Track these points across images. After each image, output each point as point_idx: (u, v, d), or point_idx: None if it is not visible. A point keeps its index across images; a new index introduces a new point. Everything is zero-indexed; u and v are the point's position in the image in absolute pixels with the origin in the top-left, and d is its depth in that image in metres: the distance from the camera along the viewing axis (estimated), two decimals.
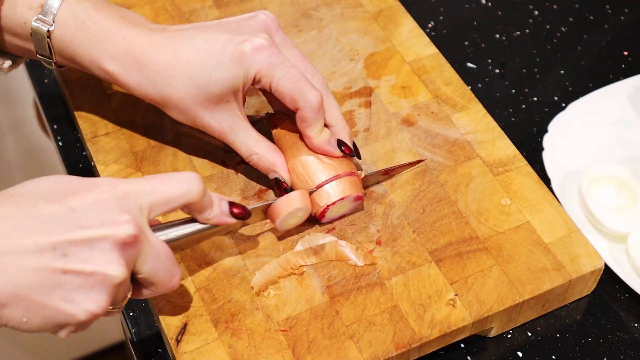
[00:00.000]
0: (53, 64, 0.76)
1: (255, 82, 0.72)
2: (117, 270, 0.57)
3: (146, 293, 0.64)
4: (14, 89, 1.27)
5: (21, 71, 0.95)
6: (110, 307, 0.61)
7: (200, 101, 0.72)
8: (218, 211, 0.66)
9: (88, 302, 0.57)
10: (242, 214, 0.67)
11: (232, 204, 0.67)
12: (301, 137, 0.75)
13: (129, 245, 0.58)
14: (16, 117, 1.38)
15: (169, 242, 0.66)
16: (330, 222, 0.75)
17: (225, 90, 0.71)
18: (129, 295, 0.62)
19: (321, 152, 0.74)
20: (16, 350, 1.65)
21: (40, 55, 0.74)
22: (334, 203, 0.73)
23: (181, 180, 0.63)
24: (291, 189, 0.74)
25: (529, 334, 0.74)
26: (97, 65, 0.73)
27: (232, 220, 0.67)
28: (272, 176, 0.74)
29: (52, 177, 0.60)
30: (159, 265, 0.62)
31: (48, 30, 0.72)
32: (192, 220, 0.67)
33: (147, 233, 0.60)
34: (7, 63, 0.77)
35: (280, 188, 0.74)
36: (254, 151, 0.74)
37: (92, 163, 0.81)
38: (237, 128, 0.73)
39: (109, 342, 1.69)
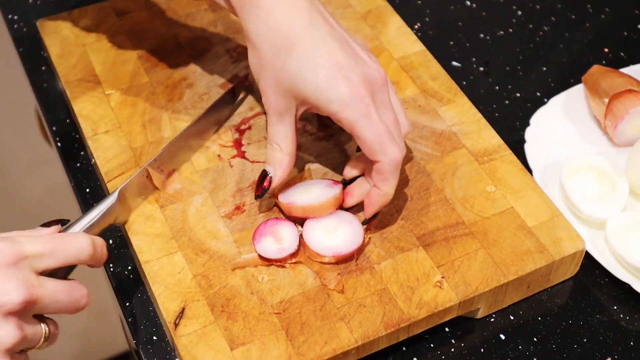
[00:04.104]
0: None
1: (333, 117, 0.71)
2: (5, 335, 0.60)
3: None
4: (17, 99, 1.29)
5: (23, 80, 0.97)
6: (30, 348, 0.64)
7: (279, 80, 0.71)
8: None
9: None
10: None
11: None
12: None
13: (22, 311, 0.61)
14: (19, 127, 1.41)
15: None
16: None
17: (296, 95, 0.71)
18: (45, 334, 0.64)
19: (375, 208, 0.74)
20: None
21: None
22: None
23: (74, 246, 0.66)
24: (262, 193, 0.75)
25: (512, 318, 0.75)
26: None
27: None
28: (267, 168, 0.75)
29: None
30: (60, 304, 0.64)
31: None
32: None
33: (39, 287, 0.62)
34: None
35: (263, 180, 0.75)
36: (275, 140, 0.74)
37: (93, 160, 0.83)
38: (280, 107, 0.73)
39: (114, 352, 1.70)
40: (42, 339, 0.64)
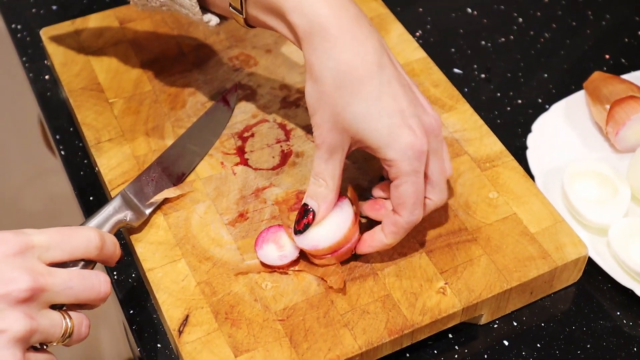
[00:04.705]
0: (242, 20, 0.74)
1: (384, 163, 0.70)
2: (14, 324, 0.58)
3: (86, 312, 0.66)
4: (21, 108, 1.30)
5: (26, 89, 0.97)
6: (51, 344, 0.62)
7: (336, 118, 0.69)
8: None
9: None
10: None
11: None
12: None
13: (29, 298, 0.60)
14: (22, 136, 1.41)
15: None
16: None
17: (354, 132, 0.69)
18: (68, 327, 0.63)
19: (371, 250, 0.73)
20: None
21: (232, 8, 0.73)
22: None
23: (80, 239, 0.65)
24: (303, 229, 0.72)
25: (515, 324, 0.75)
26: (285, 18, 0.69)
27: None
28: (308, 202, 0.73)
29: None
30: (75, 290, 0.63)
31: None
32: None
33: (46, 274, 0.62)
34: (215, 20, 0.77)
35: (306, 215, 0.72)
36: (321, 176, 0.72)
37: (96, 169, 0.83)
38: (334, 143, 0.71)
39: None
40: (64, 334, 0.63)
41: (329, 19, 0.67)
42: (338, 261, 0.73)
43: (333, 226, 0.72)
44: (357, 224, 0.73)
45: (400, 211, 0.70)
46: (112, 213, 0.74)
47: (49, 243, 0.63)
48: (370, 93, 0.67)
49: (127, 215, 0.75)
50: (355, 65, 0.67)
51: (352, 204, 0.74)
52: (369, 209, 0.75)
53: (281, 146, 0.83)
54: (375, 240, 0.72)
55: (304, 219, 0.72)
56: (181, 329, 0.70)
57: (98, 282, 0.65)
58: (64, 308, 0.64)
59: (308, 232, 0.72)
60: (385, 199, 0.75)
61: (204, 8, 0.77)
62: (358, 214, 0.74)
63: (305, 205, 0.72)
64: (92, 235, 0.66)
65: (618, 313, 0.76)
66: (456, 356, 0.73)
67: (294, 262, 0.74)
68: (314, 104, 0.70)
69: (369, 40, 0.68)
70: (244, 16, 0.73)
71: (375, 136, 0.68)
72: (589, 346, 0.74)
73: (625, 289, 0.77)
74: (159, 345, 0.73)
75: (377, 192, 0.76)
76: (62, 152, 0.88)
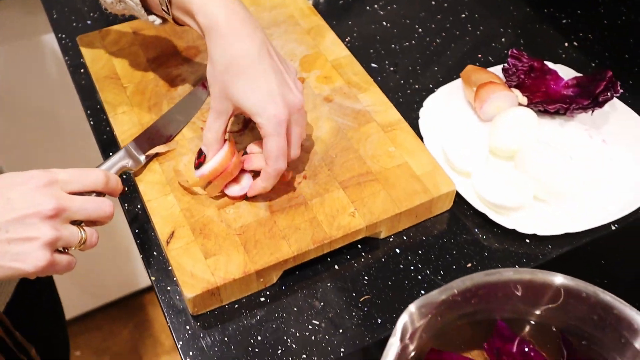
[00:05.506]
0: (172, 19, 0.75)
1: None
2: (44, 233, 0.61)
3: (97, 227, 0.68)
4: (68, 94, 1.31)
5: (69, 79, 0.99)
6: (71, 248, 0.65)
7: (224, 91, 0.71)
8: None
9: (32, 259, 0.61)
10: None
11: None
12: None
13: (55, 215, 0.62)
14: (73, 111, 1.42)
15: None
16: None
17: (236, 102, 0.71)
18: (83, 237, 0.65)
19: (254, 193, 0.75)
20: (72, 286, 1.66)
21: (163, 10, 0.75)
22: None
23: (92, 176, 0.67)
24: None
25: (404, 238, 0.78)
26: (194, 17, 0.71)
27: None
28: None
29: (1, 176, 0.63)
30: (88, 210, 0.65)
31: None
32: None
33: (67, 199, 0.63)
34: (158, 21, 0.78)
35: (200, 157, 0.74)
36: (211, 130, 0.74)
37: (114, 133, 0.85)
38: (221, 109, 0.73)
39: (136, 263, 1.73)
40: (79, 241, 0.65)
41: (222, 20, 0.69)
42: (224, 183, 0.75)
43: (213, 160, 0.74)
44: (231, 157, 0.74)
45: (268, 162, 0.72)
46: (117, 160, 0.76)
47: (69, 178, 0.65)
48: (249, 76, 0.69)
49: (129, 162, 0.77)
50: (240, 55, 0.69)
51: (230, 145, 0.75)
52: (245, 162, 0.76)
53: (244, 116, 0.87)
54: (256, 184, 0.74)
55: (199, 159, 0.74)
56: (169, 240, 0.73)
57: (104, 205, 0.67)
58: (82, 224, 0.66)
59: (201, 168, 0.74)
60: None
61: (149, 11, 0.79)
62: (234, 152, 0.75)
63: (200, 150, 0.74)
64: (101, 174, 0.68)
65: (476, 230, 0.79)
66: (363, 260, 0.76)
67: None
68: (210, 80, 0.72)
69: (252, 38, 0.70)
70: (171, 16, 0.75)
71: (250, 106, 0.70)
72: (455, 252, 0.77)
73: (481, 213, 0.80)
74: (155, 253, 0.76)
75: (250, 148, 0.77)
76: (91, 122, 0.90)
